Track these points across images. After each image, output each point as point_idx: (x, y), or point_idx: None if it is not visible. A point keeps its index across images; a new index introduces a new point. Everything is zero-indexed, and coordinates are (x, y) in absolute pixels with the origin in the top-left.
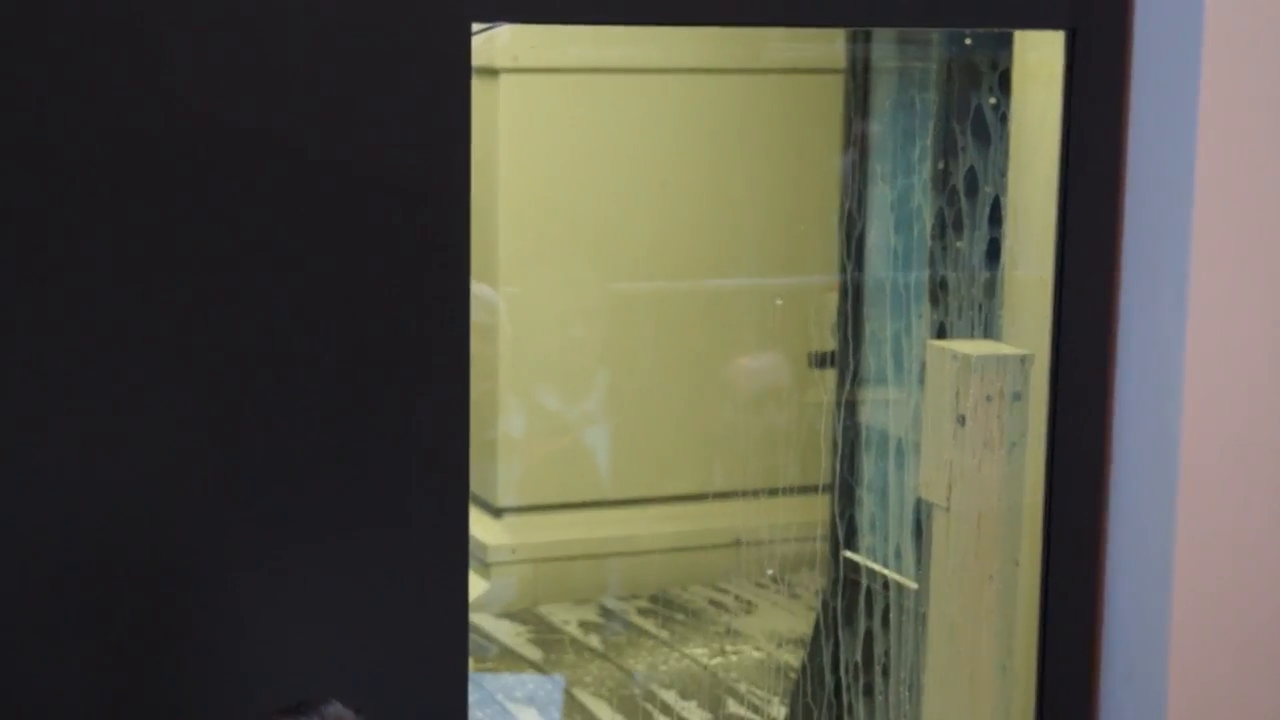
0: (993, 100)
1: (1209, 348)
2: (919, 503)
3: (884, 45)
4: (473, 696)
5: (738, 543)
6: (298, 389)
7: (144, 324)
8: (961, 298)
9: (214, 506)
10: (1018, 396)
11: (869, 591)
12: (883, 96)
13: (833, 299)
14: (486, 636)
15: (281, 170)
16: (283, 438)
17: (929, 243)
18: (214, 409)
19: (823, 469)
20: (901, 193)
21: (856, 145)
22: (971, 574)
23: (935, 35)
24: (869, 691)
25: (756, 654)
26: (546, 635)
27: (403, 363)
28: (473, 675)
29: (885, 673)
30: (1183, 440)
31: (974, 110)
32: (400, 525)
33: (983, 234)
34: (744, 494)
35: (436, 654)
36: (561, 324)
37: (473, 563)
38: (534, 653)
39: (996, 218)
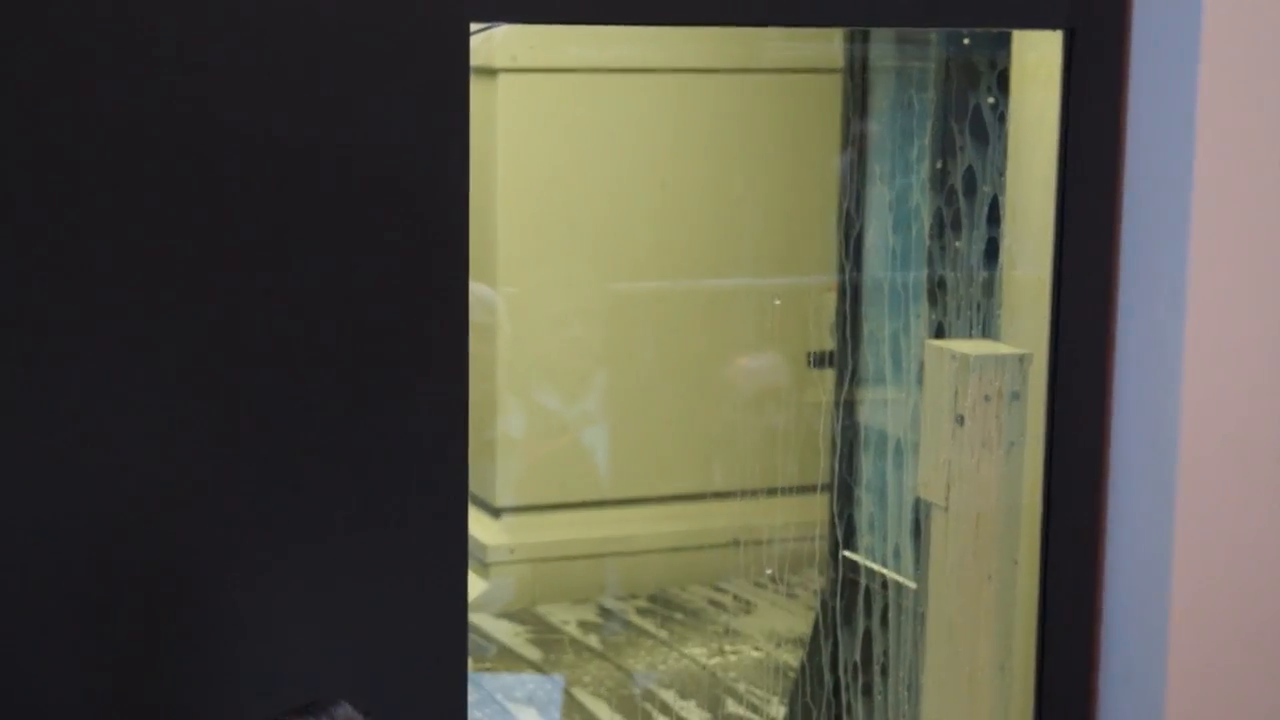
0: (991, 100)
1: (1207, 347)
2: (917, 502)
3: (882, 45)
4: (472, 696)
5: (736, 542)
6: (296, 389)
7: (141, 323)
8: (960, 297)
9: (211, 506)
10: (1016, 396)
11: (868, 591)
12: (881, 96)
13: (831, 299)
14: (485, 636)
15: (279, 170)
16: (281, 437)
17: (927, 242)
18: (211, 408)
19: (821, 469)
20: (900, 192)
21: (855, 145)
22: (970, 573)
23: (933, 35)
24: (868, 691)
25: (755, 654)
26: (545, 635)
27: (401, 363)
28: (472, 675)
29: (884, 672)
30: (1181, 440)
31: (972, 110)
32: (399, 525)
33: (981, 234)
34: (743, 494)
35: (435, 654)
36: (560, 324)
37: (472, 563)
38: (533, 653)
39: (995, 217)
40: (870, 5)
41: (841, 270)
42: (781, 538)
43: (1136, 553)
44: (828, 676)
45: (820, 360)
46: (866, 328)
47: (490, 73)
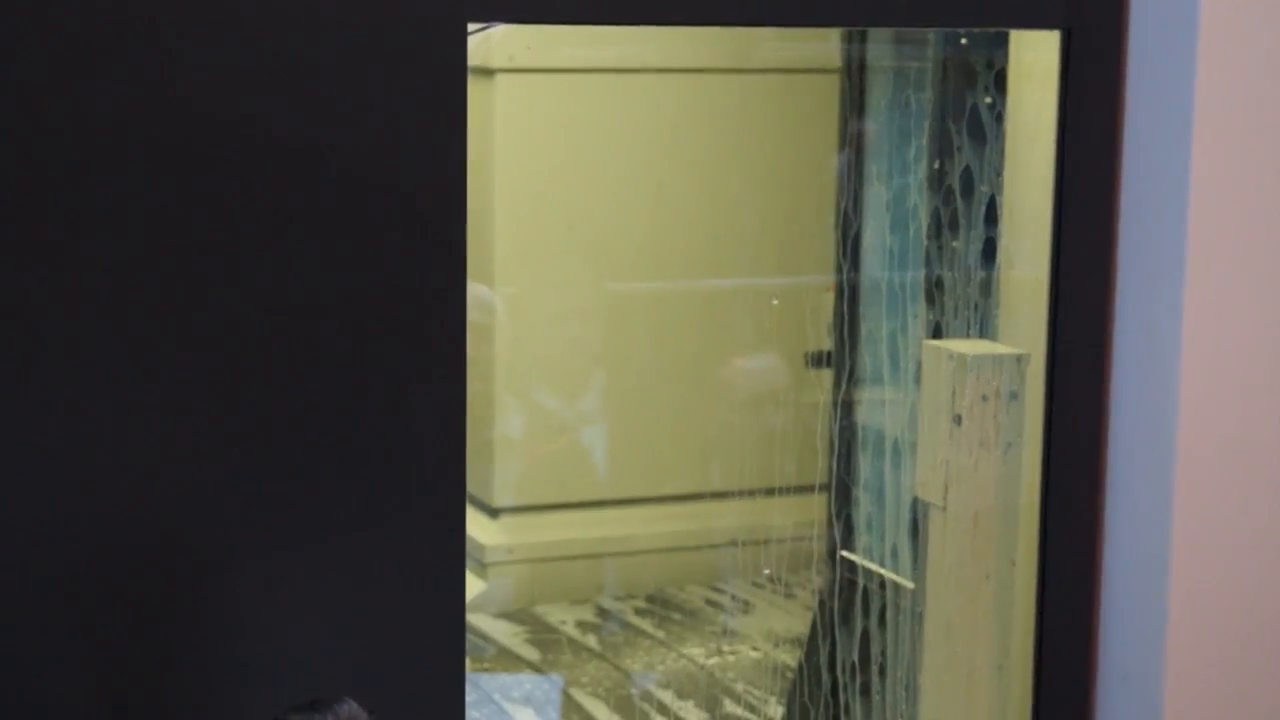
0: (988, 100)
1: (1205, 347)
2: (915, 502)
3: (879, 45)
4: (470, 697)
5: (734, 543)
6: (293, 389)
7: (139, 323)
8: (957, 297)
9: (210, 506)
10: (1014, 396)
11: (866, 591)
12: (878, 96)
13: (829, 299)
14: (484, 637)
15: (276, 170)
16: (278, 437)
17: (925, 242)
18: (209, 408)
19: (819, 469)
20: (897, 192)
21: (852, 145)
22: (968, 573)
23: (931, 35)
24: (866, 691)
25: (753, 654)
26: (543, 635)
27: (399, 363)
28: (470, 675)
29: (882, 672)
30: (1179, 440)
31: (969, 110)
32: (397, 525)
33: (978, 233)
34: (741, 494)
35: (433, 654)
36: (558, 324)
37: (470, 563)
38: (531, 653)
39: (992, 217)
40: (868, 5)
41: (839, 270)
42: (779, 538)
43: (1134, 553)
44: (826, 677)
45: (818, 360)
46: (864, 328)
47: (488, 73)
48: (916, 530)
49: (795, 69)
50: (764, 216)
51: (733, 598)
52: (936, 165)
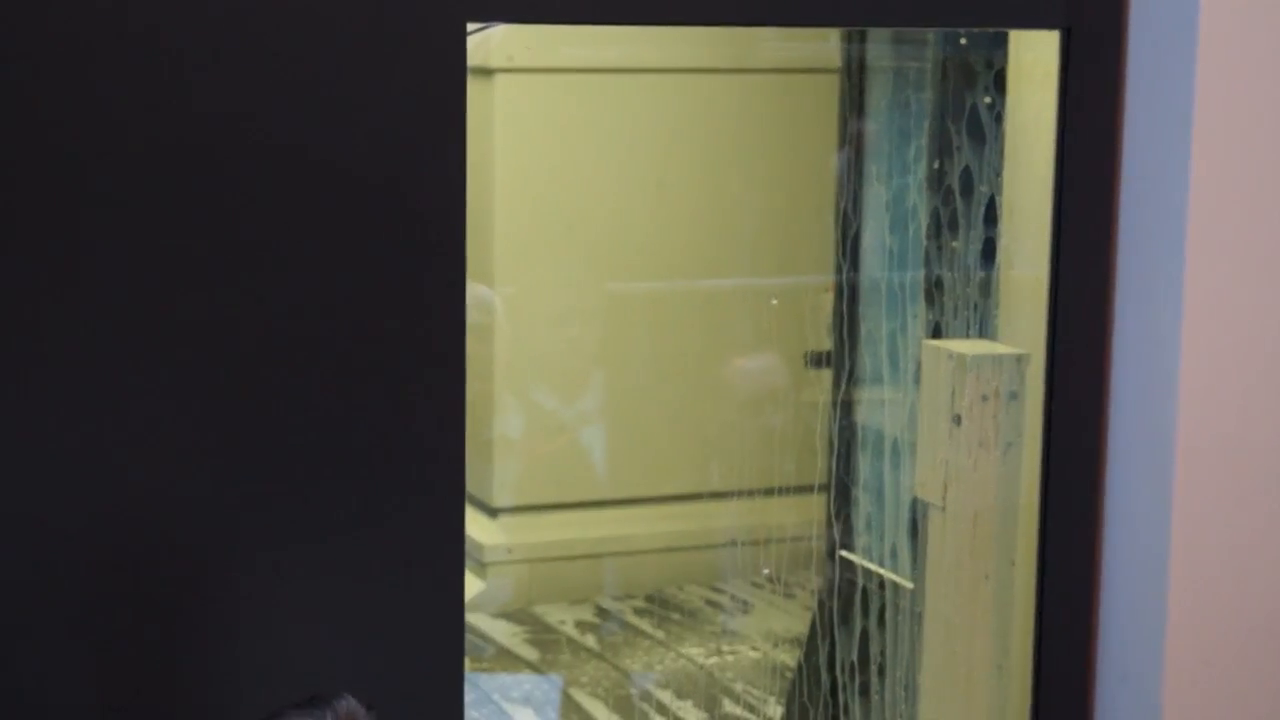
0: (988, 100)
1: (1204, 347)
2: (915, 502)
3: (879, 45)
4: (469, 696)
5: (734, 543)
6: (293, 389)
7: (139, 323)
8: (957, 297)
9: (210, 506)
10: (1013, 396)
11: (865, 591)
12: (878, 96)
13: (828, 299)
14: (483, 636)
15: (276, 170)
16: (278, 437)
17: (924, 242)
18: (208, 409)
19: (819, 469)
20: (897, 192)
21: (852, 145)
22: (967, 573)
23: (930, 35)
24: (865, 691)
25: (753, 654)
26: (543, 635)
27: (399, 363)
28: (469, 675)
29: (881, 672)
30: (1178, 440)
31: (969, 110)
32: (396, 525)
33: (978, 233)
34: (740, 494)
35: (432, 654)
36: (557, 324)
37: (469, 563)
38: (530, 653)
39: (992, 217)
40: (868, 5)
41: (839, 270)
42: (779, 538)
43: (1134, 552)
44: (825, 676)
45: (818, 360)
46: (864, 328)
47: (487, 73)
48: (916, 530)
49: (795, 69)
50: (763, 217)
51: (732, 598)
52: (936, 165)
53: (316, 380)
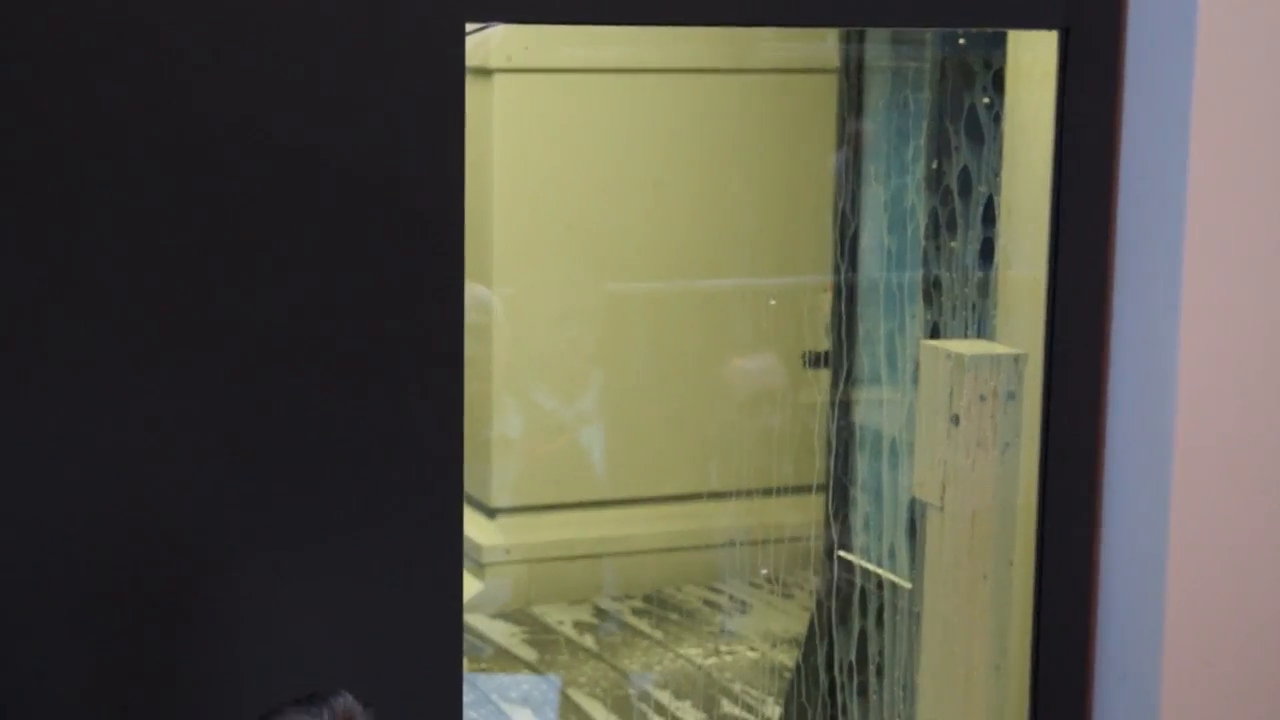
0: (986, 100)
1: (1202, 346)
2: (913, 502)
3: (878, 45)
4: (467, 697)
5: (732, 543)
6: (292, 389)
7: (139, 323)
8: (955, 297)
9: (209, 506)
10: (1011, 396)
11: (863, 591)
12: (876, 96)
13: (826, 299)
14: (481, 637)
15: (276, 170)
16: (277, 437)
17: (923, 242)
18: (208, 409)
19: (817, 469)
20: (895, 192)
21: (850, 145)
22: (965, 573)
23: (929, 35)
24: (863, 691)
25: (751, 654)
26: (541, 635)
27: (397, 363)
28: (467, 676)
29: (879, 672)
30: (1176, 439)
31: (968, 110)
32: (394, 526)
33: (976, 233)
34: (738, 494)
35: (431, 654)
36: (556, 324)
37: (467, 563)
38: (529, 653)
39: (990, 217)
40: (868, 5)
41: (837, 270)
42: (777, 538)
43: (1131, 552)
44: (823, 676)
45: (816, 360)
46: (862, 328)
47: (486, 73)
48: (914, 530)
49: (794, 69)
50: (762, 217)
51: (730, 598)
52: (934, 165)
53: (315, 380)
